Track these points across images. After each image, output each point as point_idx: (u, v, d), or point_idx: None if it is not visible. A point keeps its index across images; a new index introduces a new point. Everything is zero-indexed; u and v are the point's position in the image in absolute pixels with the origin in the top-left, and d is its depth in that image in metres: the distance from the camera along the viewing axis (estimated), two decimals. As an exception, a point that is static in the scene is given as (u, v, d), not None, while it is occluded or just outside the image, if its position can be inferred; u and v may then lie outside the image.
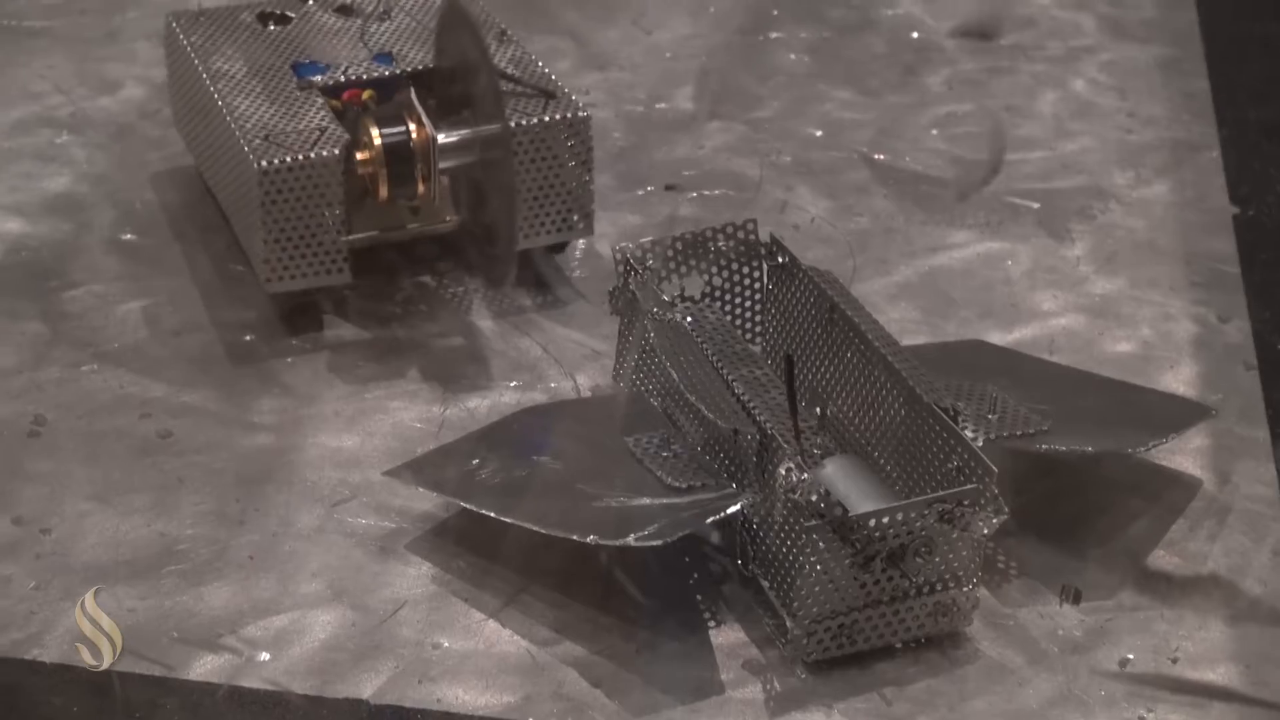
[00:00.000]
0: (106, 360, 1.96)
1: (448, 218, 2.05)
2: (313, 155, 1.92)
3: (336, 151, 1.93)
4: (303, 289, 1.97)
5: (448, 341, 2.00)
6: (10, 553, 1.69)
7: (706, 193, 2.27)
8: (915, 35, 2.70)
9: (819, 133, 2.43)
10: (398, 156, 1.94)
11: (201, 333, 2.01)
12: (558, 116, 1.99)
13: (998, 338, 2.00)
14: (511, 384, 1.93)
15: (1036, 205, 2.26)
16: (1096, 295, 2.09)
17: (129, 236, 2.18)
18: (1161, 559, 1.70)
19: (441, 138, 1.93)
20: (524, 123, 1.98)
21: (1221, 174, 2.33)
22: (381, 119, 1.96)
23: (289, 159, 1.91)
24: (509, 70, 2.05)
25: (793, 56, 2.64)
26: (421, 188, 1.95)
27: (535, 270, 2.10)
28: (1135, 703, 1.55)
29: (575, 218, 2.03)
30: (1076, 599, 1.65)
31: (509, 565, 1.68)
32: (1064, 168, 2.35)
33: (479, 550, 1.70)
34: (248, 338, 2.00)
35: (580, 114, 2.00)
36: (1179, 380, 1.94)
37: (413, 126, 1.94)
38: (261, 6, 2.21)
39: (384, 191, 1.96)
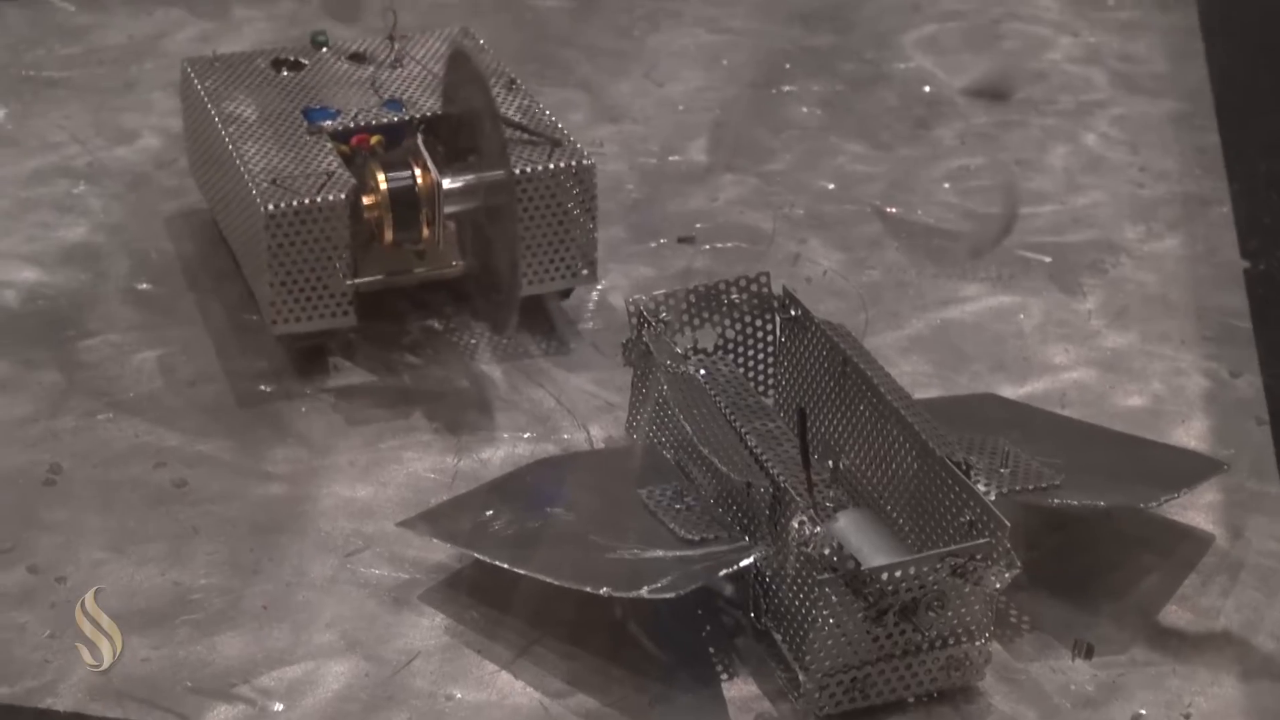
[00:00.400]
0: (122, 409, 1.97)
1: (454, 263, 2.06)
2: (319, 200, 1.94)
3: (343, 196, 1.95)
4: (309, 332, 1.99)
5: (459, 391, 2.01)
6: (25, 601, 1.69)
7: (719, 245, 2.28)
8: (927, 89, 2.71)
9: (831, 185, 2.44)
10: (403, 201, 1.96)
11: (216, 382, 2.02)
12: (562, 164, 2.01)
13: (1009, 391, 2.00)
14: (525, 435, 1.93)
15: (1048, 259, 2.27)
16: (1108, 349, 2.09)
17: (145, 286, 2.19)
18: (1174, 614, 1.70)
19: (446, 183, 1.95)
20: (528, 170, 2.00)
21: (1233, 228, 2.33)
22: (388, 164, 1.98)
23: (295, 203, 1.93)
24: (515, 118, 2.07)
25: (805, 110, 2.65)
26: (426, 232, 1.97)
27: (548, 320, 2.11)
28: (1148, 758, 1.56)
29: (580, 265, 2.05)
30: (1089, 654, 1.65)
31: (521, 616, 1.68)
32: (1075, 221, 2.36)
33: (492, 601, 1.70)
34: (262, 387, 2.01)
35: (585, 161, 2.02)
36: (1190, 435, 1.94)
37: (418, 171, 1.96)
38: (276, 53, 2.23)
39: (389, 235, 1.97)
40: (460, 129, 2.03)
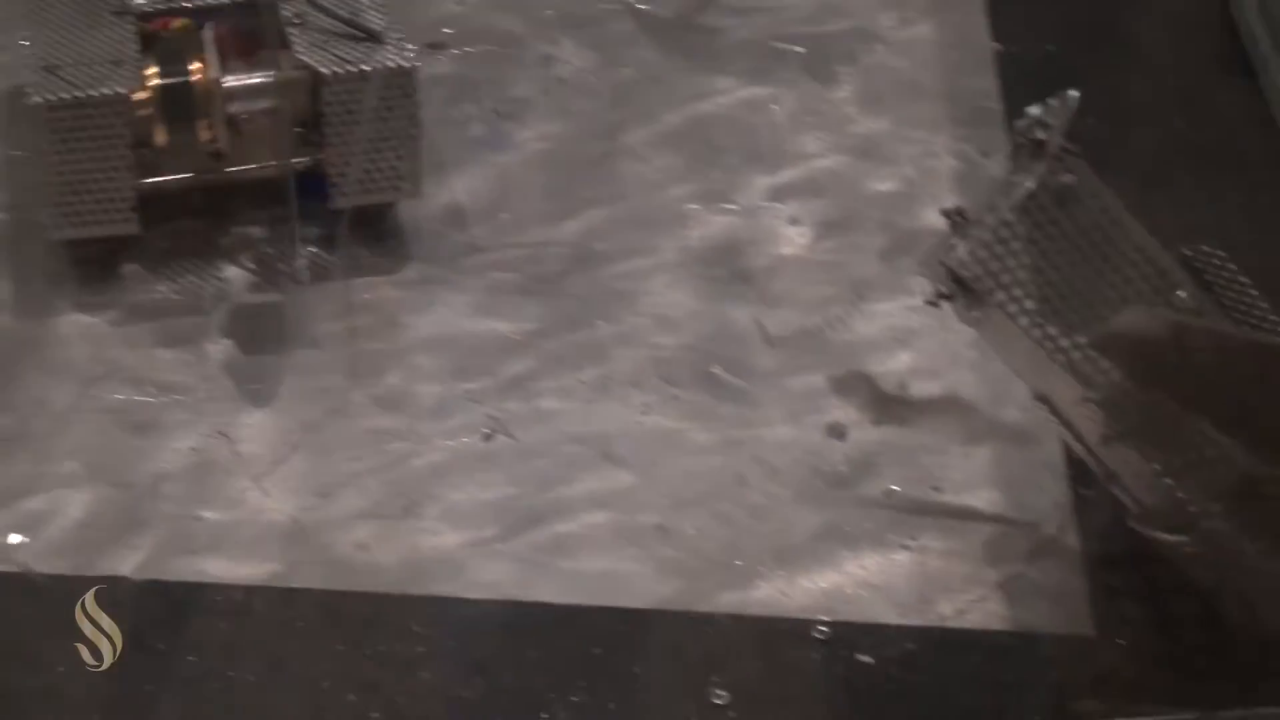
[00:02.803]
0: None
1: (271, 161, 1.84)
2: (95, 94, 1.74)
3: (123, 90, 1.75)
4: (90, 237, 1.80)
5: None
6: None
7: (469, 50, 2.22)
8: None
9: (581, -16, 2.39)
10: (175, 100, 1.77)
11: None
12: (379, 66, 1.80)
13: (763, 182, 1.99)
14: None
15: (802, 49, 2.24)
16: (861, 135, 2.09)
17: None
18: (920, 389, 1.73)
19: (232, 80, 1.78)
20: (338, 71, 1.79)
21: (983, 12, 2.32)
22: (165, 56, 1.79)
23: (70, 95, 1.73)
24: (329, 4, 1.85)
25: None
26: (206, 134, 1.79)
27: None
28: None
29: (401, 180, 1.85)
30: (842, 435, 1.67)
31: (271, 432, 1.66)
32: (829, 11, 2.33)
33: (239, 419, 1.67)
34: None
35: (405, 64, 1.81)
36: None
37: (194, 66, 1.78)
38: None
39: (160, 137, 1.79)
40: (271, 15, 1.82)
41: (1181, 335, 1.32)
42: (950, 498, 1.62)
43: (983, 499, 1.62)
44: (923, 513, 1.61)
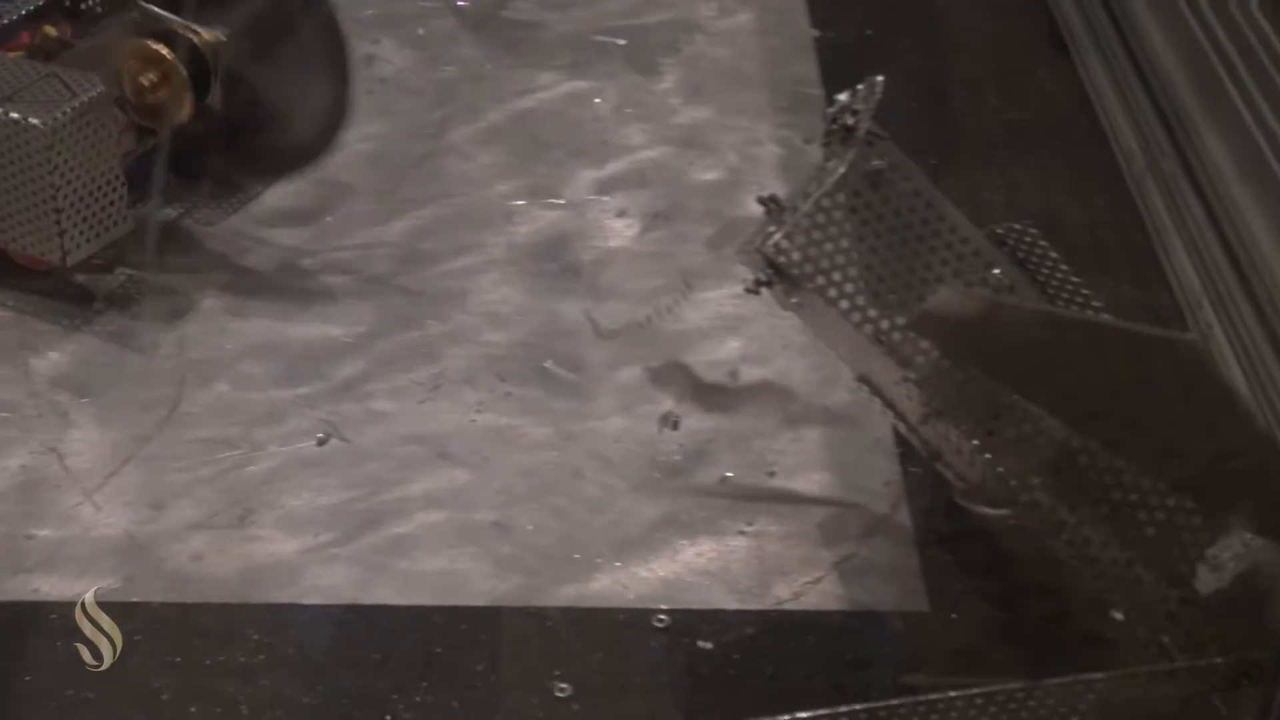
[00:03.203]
0: None
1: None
2: (86, 99, 1.68)
3: (103, 88, 1.71)
4: (96, 250, 1.76)
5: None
6: None
7: (290, 52, 2.21)
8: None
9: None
10: (199, 66, 1.76)
11: None
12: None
13: (589, 175, 2.01)
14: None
15: (623, 42, 2.26)
16: (684, 125, 2.10)
17: None
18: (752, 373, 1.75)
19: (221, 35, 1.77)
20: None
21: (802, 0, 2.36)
22: (156, 35, 1.77)
23: (66, 110, 1.68)
24: None
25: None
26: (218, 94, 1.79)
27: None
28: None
29: None
30: (676, 425, 1.68)
31: (101, 447, 1.64)
32: (649, 2, 2.35)
33: (68, 434, 1.65)
34: None
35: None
36: (766, 202, 1.97)
37: (190, 34, 1.77)
38: None
39: (188, 109, 1.78)
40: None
41: (995, 313, 1.34)
42: (783, 482, 1.64)
43: (815, 482, 1.64)
44: (757, 498, 1.62)
